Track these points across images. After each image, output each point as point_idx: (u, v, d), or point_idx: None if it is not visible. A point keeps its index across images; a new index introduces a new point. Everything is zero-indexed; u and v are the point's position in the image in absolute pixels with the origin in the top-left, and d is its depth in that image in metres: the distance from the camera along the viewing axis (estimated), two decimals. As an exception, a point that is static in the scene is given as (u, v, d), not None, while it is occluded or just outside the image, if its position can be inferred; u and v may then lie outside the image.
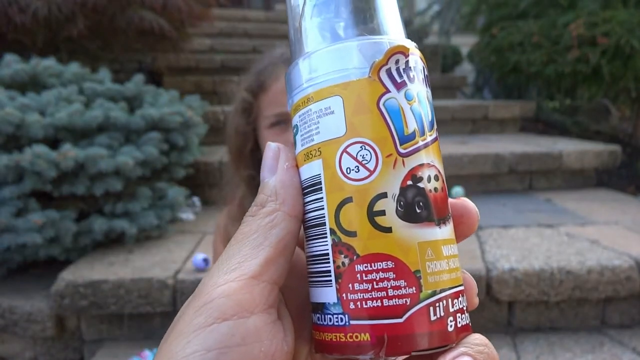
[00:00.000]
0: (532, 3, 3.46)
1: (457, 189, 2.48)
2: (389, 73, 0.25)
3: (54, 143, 1.70)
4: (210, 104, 2.90)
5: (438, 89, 4.40)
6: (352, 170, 0.24)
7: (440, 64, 5.28)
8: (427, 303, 0.24)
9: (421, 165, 0.25)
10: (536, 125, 3.69)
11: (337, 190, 0.25)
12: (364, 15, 0.26)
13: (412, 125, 0.25)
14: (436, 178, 0.25)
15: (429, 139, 0.26)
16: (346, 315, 0.24)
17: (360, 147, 0.24)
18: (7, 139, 1.67)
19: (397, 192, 0.24)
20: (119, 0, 2.50)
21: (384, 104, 0.25)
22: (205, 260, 1.57)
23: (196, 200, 2.27)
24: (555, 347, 1.49)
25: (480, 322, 1.59)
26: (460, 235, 0.28)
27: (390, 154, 0.24)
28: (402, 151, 0.24)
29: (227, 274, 0.24)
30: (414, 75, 0.26)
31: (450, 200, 0.27)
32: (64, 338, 1.62)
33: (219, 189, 2.40)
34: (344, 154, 0.25)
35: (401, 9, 0.29)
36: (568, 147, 2.67)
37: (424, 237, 0.24)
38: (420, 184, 0.25)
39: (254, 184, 0.95)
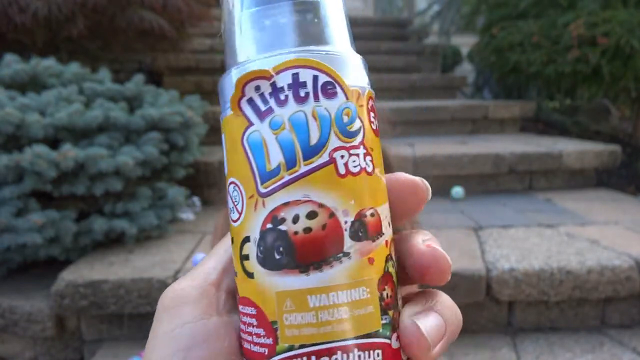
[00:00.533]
0: (532, 3, 3.46)
1: (457, 189, 2.48)
2: (251, 102, 0.22)
3: (54, 143, 1.71)
4: (210, 104, 2.90)
5: (438, 89, 4.40)
6: (231, 210, 0.24)
7: (440, 64, 5.28)
8: (283, 357, 0.22)
9: (286, 204, 0.22)
10: (536, 125, 3.69)
11: (229, 229, 0.25)
12: (259, 33, 0.23)
13: (275, 159, 0.22)
14: (311, 215, 0.22)
15: (304, 169, 0.22)
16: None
17: (233, 187, 0.24)
18: (7, 139, 1.67)
19: (257, 236, 0.22)
20: (119, 0, 2.50)
21: (247, 140, 0.23)
22: (205, 260, 1.57)
23: (196, 200, 2.27)
24: (555, 347, 1.49)
25: (481, 322, 1.59)
26: (426, 283, 0.25)
27: (252, 195, 0.22)
28: (263, 191, 0.22)
29: (193, 280, 0.25)
30: (287, 96, 0.22)
31: (418, 248, 0.24)
32: (64, 338, 1.62)
33: (218, 189, 2.40)
34: (227, 194, 0.24)
35: (347, 16, 0.26)
36: (568, 147, 2.67)
37: (283, 286, 0.22)
38: (282, 226, 0.22)
39: None
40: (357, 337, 0.22)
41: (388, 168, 0.92)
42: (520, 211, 2.20)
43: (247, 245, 0.23)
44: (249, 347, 0.23)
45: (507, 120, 3.48)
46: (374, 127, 0.24)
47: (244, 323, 0.23)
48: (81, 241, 1.69)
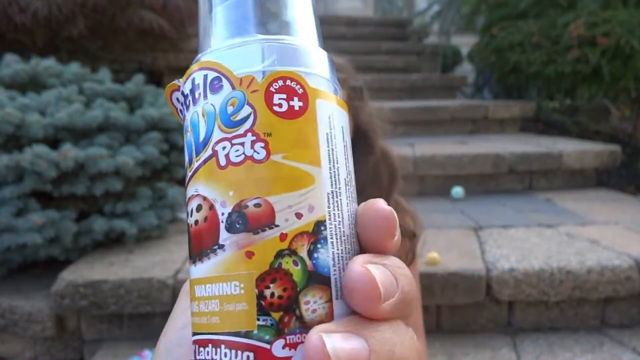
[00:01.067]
0: (532, 3, 3.46)
1: (457, 189, 2.48)
2: (180, 113, 0.25)
3: (54, 143, 1.71)
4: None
5: (438, 89, 4.40)
6: None
7: (440, 64, 5.28)
8: (193, 340, 0.23)
9: (188, 199, 0.23)
10: (536, 125, 3.69)
11: None
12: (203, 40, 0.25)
13: (186, 159, 0.23)
14: (198, 208, 0.22)
15: (196, 165, 0.22)
16: None
17: None
18: (7, 139, 1.67)
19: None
20: (119, 0, 2.50)
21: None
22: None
23: (196, 200, 2.27)
24: (555, 347, 1.49)
25: (481, 322, 1.59)
26: (353, 307, 0.21)
27: None
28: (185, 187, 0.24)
29: None
30: (190, 101, 0.23)
31: (350, 267, 0.21)
32: (64, 338, 1.62)
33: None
34: None
35: (316, 13, 0.26)
36: (568, 147, 2.67)
37: (190, 275, 0.23)
38: (188, 220, 0.23)
39: None
40: (226, 334, 0.21)
41: (392, 169, 0.89)
42: (520, 211, 2.20)
43: None
44: None
45: (507, 120, 3.48)
46: (279, 110, 0.22)
47: None
48: (81, 241, 1.69)
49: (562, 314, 1.60)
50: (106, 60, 2.94)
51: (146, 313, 1.56)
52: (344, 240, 0.22)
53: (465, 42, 5.35)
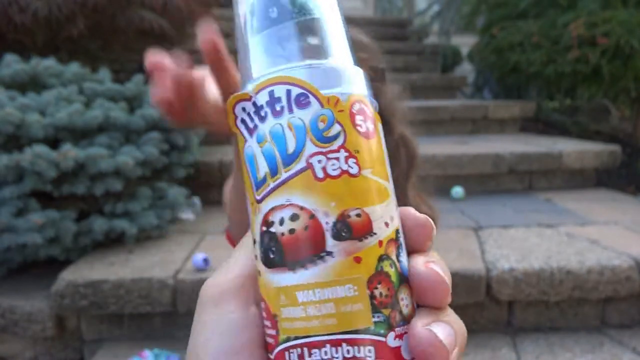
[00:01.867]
0: (532, 3, 3.46)
1: (457, 189, 2.48)
2: (243, 122, 0.25)
3: (54, 143, 1.70)
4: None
5: (438, 89, 4.40)
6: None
7: (440, 64, 5.28)
8: (283, 348, 0.24)
9: (272, 208, 0.24)
10: (536, 125, 3.69)
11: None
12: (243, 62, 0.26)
13: (262, 169, 0.25)
14: (293, 218, 0.24)
15: (284, 175, 0.24)
16: None
17: (246, 197, 0.26)
18: (7, 139, 1.67)
19: (258, 238, 0.25)
20: (119, 0, 2.50)
21: (245, 154, 0.25)
22: (205, 260, 1.57)
23: (196, 200, 2.27)
24: (555, 347, 1.49)
25: (481, 322, 1.59)
26: (425, 304, 0.25)
27: (252, 202, 0.25)
28: (257, 198, 0.25)
29: (229, 273, 0.28)
30: (266, 112, 0.25)
31: (416, 269, 0.25)
32: (64, 338, 1.62)
33: (218, 189, 2.40)
34: None
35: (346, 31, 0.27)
36: (568, 147, 2.67)
37: (277, 283, 0.24)
38: (272, 229, 0.24)
39: None
40: (345, 332, 0.23)
41: (411, 153, 0.88)
42: (520, 211, 2.20)
43: (254, 246, 0.26)
44: (266, 339, 0.25)
45: (507, 120, 3.48)
46: (361, 130, 0.25)
47: (262, 317, 0.26)
48: (81, 241, 1.69)
49: (562, 314, 1.60)
50: (106, 60, 2.94)
51: (146, 313, 1.56)
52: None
53: (465, 42, 5.35)
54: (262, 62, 0.26)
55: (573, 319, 1.60)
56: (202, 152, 2.34)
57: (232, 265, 0.28)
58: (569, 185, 2.68)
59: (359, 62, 0.28)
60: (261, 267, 0.25)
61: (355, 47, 0.27)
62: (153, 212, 1.82)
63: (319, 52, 0.26)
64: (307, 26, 0.26)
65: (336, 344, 0.23)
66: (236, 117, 0.25)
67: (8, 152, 1.62)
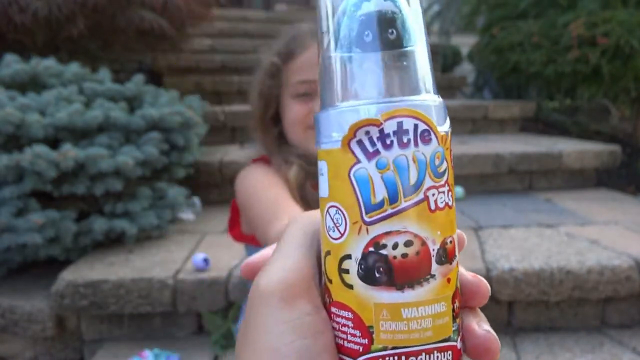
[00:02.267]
0: (532, 3, 3.46)
1: (457, 189, 2.48)
2: (360, 143, 0.27)
3: (54, 143, 1.71)
4: (210, 104, 2.90)
5: (438, 89, 4.39)
6: (330, 229, 0.28)
7: (440, 64, 5.28)
8: (377, 355, 0.27)
9: (388, 232, 0.26)
10: (536, 125, 3.69)
11: (324, 242, 0.29)
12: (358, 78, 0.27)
13: (380, 194, 0.26)
14: (408, 244, 0.26)
15: (404, 204, 0.26)
16: None
17: (335, 210, 0.28)
18: (7, 139, 1.67)
19: (359, 256, 0.27)
20: (119, 0, 2.50)
21: (354, 174, 0.27)
22: (205, 260, 1.57)
23: (196, 200, 2.27)
24: (555, 347, 1.49)
25: (480, 322, 1.59)
26: (471, 306, 0.31)
27: (356, 221, 0.27)
28: (367, 219, 0.27)
29: (289, 271, 0.29)
30: (392, 141, 0.26)
31: (466, 278, 0.30)
32: (64, 338, 1.62)
33: (218, 189, 2.40)
34: (327, 213, 0.28)
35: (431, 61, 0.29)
36: (568, 147, 2.67)
37: (380, 299, 0.27)
38: (383, 251, 0.26)
39: (278, 150, 0.98)
40: (436, 342, 0.27)
41: None
42: (520, 211, 2.20)
43: (347, 261, 0.27)
44: (342, 344, 0.28)
45: (507, 120, 3.48)
46: (453, 165, 0.29)
47: (338, 323, 0.28)
48: (81, 241, 1.69)
49: (562, 314, 1.60)
50: (106, 60, 2.94)
51: (146, 313, 1.56)
52: None
53: (465, 42, 5.35)
54: (373, 87, 0.27)
55: (573, 319, 1.60)
56: (202, 152, 2.34)
57: (288, 262, 0.28)
58: (569, 185, 2.68)
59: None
60: (357, 282, 0.27)
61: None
62: (153, 212, 1.82)
63: (428, 85, 0.28)
64: (410, 57, 0.28)
65: (429, 352, 0.27)
66: (354, 137, 0.27)
67: (8, 152, 1.62)
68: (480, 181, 2.59)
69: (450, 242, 0.28)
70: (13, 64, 1.92)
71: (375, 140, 0.26)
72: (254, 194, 0.94)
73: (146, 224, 1.78)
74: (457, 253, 0.29)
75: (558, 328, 1.59)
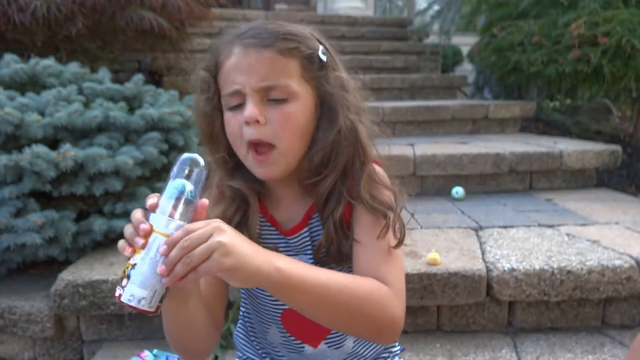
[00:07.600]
0: (533, 3, 3.45)
1: (457, 189, 2.47)
2: None
3: (53, 143, 1.70)
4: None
5: (438, 89, 4.40)
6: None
7: (440, 64, 5.28)
8: None
9: None
10: (536, 125, 3.69)
11: None
12: None
13: None
14: None
15: None
16: None
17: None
18: (6, 139, 1.67)
19: None
20: (119, -1, 2.50)
21: None
22: (205, 261, 1.56)
23: (196, 200, 2.27)
24: (556, 348, 1.48)
25: (481, 322, 1.58)
26: None
27: None
28: None
29: None
30: None
31: None
32: (64, 338, 1.62)
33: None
34: None
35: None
36: (568, 147, 2.66)
37: None
38: None
39: (227, 166, 0.91)
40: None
41: (357, 148, 0.88)
42: (520, 211, 2.20)
43: None
44: None
45: (507, 120, 3.48)
46: None
47: None
48: (80, 241, 1.69)
49: (562, 314, 1.59)
50: (106, 60, 2.94)
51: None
52: None
53: (465, 42, 5.35)
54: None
55: (574, 319, 1.59)
56: (201, 152, 2.34)
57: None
58: (570, 185, 2.67)
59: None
60: None
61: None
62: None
63: None
64: None
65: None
66: None
67: (7, 152, 1.62)
68: (481, 181, 2.59)
69: None
70: (12, 63, 1.91)
71: None
72: None
73: (146, 224, 1.77)
74: None
75: (559, 328, 1.59)
